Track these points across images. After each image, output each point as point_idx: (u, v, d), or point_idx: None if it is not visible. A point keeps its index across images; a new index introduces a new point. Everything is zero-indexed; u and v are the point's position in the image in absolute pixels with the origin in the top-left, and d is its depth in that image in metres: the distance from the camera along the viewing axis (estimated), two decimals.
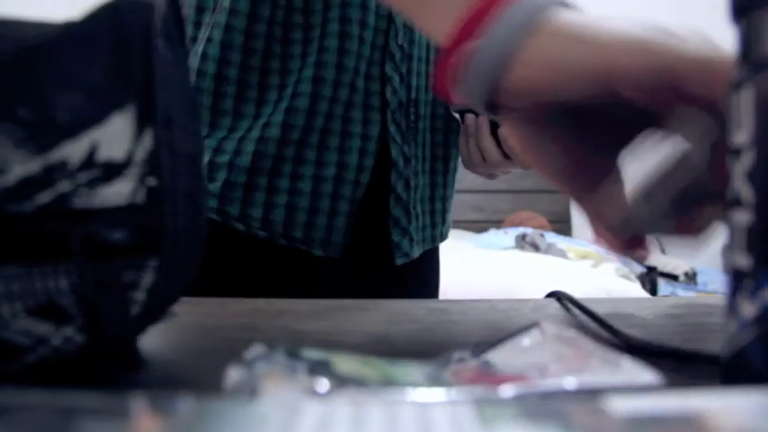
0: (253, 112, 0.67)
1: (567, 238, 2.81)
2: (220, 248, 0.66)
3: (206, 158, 0.65)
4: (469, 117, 0.71)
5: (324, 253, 0.69)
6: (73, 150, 0.27)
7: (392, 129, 0.69)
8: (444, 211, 0.80)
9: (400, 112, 0.70)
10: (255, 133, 0.66)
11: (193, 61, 0.67)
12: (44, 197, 0.27)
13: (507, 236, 2.75)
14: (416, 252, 0.75)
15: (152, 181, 0.29)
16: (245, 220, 0.67)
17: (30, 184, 0.26)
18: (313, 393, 0.25)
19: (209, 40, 0.66)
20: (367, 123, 0.69)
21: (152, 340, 0.39)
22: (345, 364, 0.29)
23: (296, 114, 0.66)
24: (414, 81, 0.72)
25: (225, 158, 0.66)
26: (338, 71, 0.66)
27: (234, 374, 0.27)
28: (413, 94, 0.71)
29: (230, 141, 0.66)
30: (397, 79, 0.69)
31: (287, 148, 0.66)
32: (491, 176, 0.76)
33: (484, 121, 0.69)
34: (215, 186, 0.65)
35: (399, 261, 0.73)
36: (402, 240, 0.72)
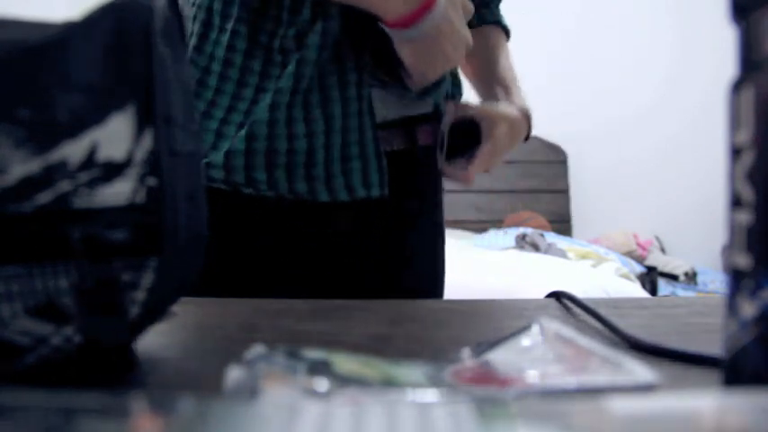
0: (256, 81, 0.72)
1: (567, 238, 2.81)
2: (226, 216, 0.71)
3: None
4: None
5: (330, 198, 0.72)
6: (73, 150, 0.27)
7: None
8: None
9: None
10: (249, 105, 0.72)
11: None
12: (44, 197, 0.27)
13: (507, 236, 2.75)
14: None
15: (152, 181, 0.29)
16: (252, 184, 0.72)
17: (30, 184, 0.26)
18: (313, 393, 0.25)
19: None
20: (343, 72, 0.72)
21: (152, 340, 0.39)
22: (345, 364, 0.29)
23: (283, 78, 0.71)
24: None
25: (231, 129, 0.71)
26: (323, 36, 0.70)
27: (234, 374, 0.27)
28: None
29: (237, 113, 0.72)
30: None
31: (277, 111, 0.71)
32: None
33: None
34: (217, 156, 0.70)
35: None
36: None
